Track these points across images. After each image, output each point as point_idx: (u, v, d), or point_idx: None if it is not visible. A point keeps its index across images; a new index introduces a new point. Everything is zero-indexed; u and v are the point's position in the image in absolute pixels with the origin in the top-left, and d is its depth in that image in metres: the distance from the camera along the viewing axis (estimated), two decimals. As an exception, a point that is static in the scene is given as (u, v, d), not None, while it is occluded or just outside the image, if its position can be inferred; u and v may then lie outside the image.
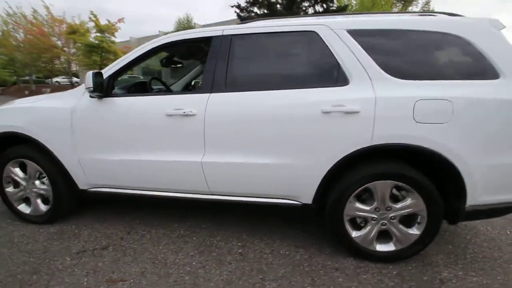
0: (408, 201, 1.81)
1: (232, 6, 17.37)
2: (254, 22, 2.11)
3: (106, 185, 2.28)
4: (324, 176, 1.85)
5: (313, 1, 16.28)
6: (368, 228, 1.90)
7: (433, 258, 1.95)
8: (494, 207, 1.79)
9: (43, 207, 2.41)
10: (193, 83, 3.64)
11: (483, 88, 1.69)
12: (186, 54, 3.06)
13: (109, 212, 2.65)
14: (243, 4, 17.23)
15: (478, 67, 1.72)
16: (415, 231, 1.84)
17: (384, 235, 1.90)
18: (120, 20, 18.41)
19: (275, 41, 2.00)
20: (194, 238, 2.23)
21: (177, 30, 30.25)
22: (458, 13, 1.92)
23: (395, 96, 1.71)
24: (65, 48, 20.87)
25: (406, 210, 1.82)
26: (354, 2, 20.75)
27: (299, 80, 1.94)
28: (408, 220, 1.86)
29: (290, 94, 1.87)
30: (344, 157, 1.78)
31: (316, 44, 1.90)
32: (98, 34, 18.94)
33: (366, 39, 1.84)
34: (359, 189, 1.82)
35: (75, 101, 2.18)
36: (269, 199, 2.03)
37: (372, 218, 1.87)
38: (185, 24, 30.04)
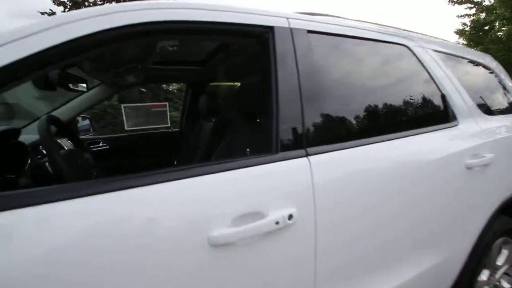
0: (505, 253, 1.47)
1: (43, 13, 12.78)
2: (323, 17, 1.09)
3: None
4: (467, 261, 1.17)
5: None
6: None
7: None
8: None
9: None
10: (80, 119, 1.84)
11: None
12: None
13: None
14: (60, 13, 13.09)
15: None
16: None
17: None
18: None
19: (366, 51, 1.11)
20: None
21: None
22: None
23: (508, 135, 1.33)
24: None
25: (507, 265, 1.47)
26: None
27: (413, 116, 1.17)
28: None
29: (425, 143, 1.06)
30: (486, 224, 1.19)
31: (410, 64, 1.22)
32: None
33: (452, 65, 1.37)
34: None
35: None
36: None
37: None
38: None
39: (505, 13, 7.20)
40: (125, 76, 1.51)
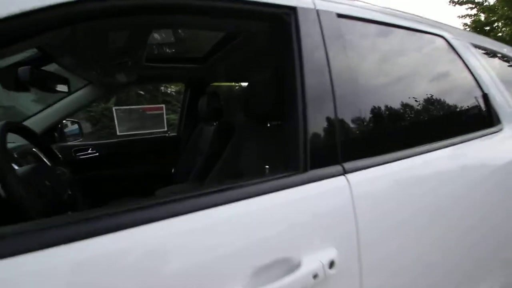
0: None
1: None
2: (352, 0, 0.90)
3: None
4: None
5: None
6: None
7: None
8: None
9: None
10: (67, 123, 1.65)
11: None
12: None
13: None
14: None
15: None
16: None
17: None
18: None
19: (403, 41, 0.92)
20: None
21: None
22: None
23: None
24: None
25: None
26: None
27: (458, 120, 0.98)
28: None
29: (478, 152, 0.88)
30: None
31: (448, 58, 1.04)
32: None
33: (490, 61, 1.19)
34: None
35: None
36: None
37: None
38: None
39: (507, 13, 7.08)
40: (114, 74, 1.32)
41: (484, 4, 8.00)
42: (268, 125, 1.07)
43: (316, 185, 0.55)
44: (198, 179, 1.49)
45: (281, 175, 0.55)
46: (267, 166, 0.59)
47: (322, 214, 0.52)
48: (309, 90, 0.61)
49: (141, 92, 7.96)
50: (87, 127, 6.36)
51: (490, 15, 7.87)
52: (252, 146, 1.09)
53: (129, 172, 1.81)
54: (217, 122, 1.56)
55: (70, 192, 0.77)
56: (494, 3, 7.68)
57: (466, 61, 1.05)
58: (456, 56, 1.05)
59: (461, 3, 8.25)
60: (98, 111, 6.77)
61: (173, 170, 1.86)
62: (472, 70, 1.06)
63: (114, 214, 0.41)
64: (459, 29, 1.20)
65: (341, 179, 0.58)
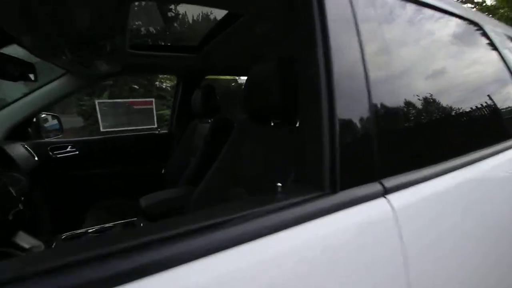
0: None
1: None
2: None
3: None
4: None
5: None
6: None
7: None
8: None
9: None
10: (47, 117, 1.47)
11: None
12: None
13: None
14: None
15: None
16: None
17: None
18: None
19: (442, 27, 0.76)
20: None
21: None
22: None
23: None
24: None
25: None
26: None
27: (497, 122, 0.83)
28: None
29: None
30: None
31: (483, 47, 0.88)
32: None
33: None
34: None
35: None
36: None
37: None
38: None
39: (507, 13, 7.02)
40: (92, 62, 1.13)
41: (484, 4, 7.94)
42: (272, 123, 0.91)
43: (349, 212, 0.39)
44: (190, 182, 1.34)
45: (301, 199, 0.39)
46: (279, 184, 0.43)
47: (362, 257, 0.37)
48: (337, 82, 0.44)
49: (135, 87, 7.70)
50: (78, 121, 6.12)
51: (490, 15, 7.81)
52: (253, 148, 0.93)
53: (113, 173, 1.63)
54: (212, 119, 1.39)
55: (21, 207, 0.59)
56: (493, 4, 7.61)
57: (503, 54, 0.91)
58: (493, 49, 0.90)
59: (461, 3, 8.20)
60: (90, 105, 6.52)
61: (163, 171, 1.69)
62: (509, 65, 0.91)
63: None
64: (493, 19, 1.05)
65: (381, 202, 0.42)
